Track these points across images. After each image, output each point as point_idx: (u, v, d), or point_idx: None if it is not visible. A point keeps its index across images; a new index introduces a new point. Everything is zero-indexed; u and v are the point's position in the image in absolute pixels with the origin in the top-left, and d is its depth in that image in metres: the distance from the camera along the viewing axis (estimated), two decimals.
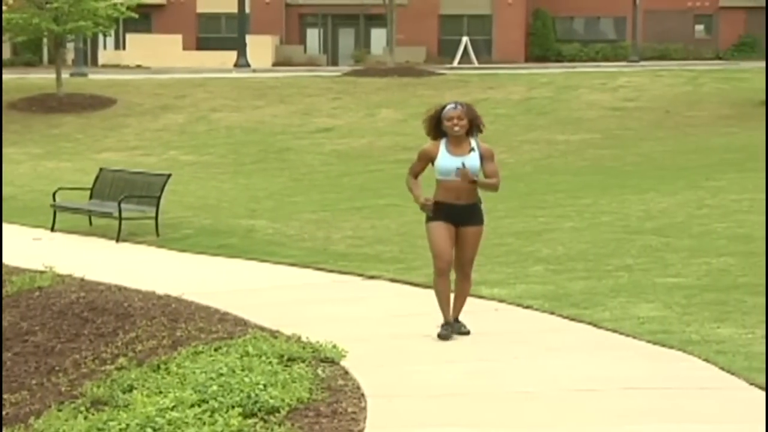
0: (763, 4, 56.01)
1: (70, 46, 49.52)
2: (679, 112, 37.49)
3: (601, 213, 19.02)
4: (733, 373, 8.33)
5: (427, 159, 9.70)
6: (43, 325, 11.93)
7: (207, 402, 7.59)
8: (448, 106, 9.65)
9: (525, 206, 20.16)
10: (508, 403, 7.81)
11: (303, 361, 8.73)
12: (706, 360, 8.73)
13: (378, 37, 58.53)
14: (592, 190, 22.39)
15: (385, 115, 38.36)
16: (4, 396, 9.77)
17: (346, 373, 8.59)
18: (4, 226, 18.22)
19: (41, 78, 44.13)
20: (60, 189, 19.93)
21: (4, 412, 9.23)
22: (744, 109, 37.32)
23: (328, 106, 39.89)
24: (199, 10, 59.66)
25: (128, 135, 36.27)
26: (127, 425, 7.18)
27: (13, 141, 33.76)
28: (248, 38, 52.29)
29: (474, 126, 9.62)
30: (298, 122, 37.54)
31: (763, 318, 10.09)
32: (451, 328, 9.75)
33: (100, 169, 20.54)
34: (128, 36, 57.07)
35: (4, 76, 40.81)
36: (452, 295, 9.86)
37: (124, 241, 17.56)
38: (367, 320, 10.89)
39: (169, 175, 18.78)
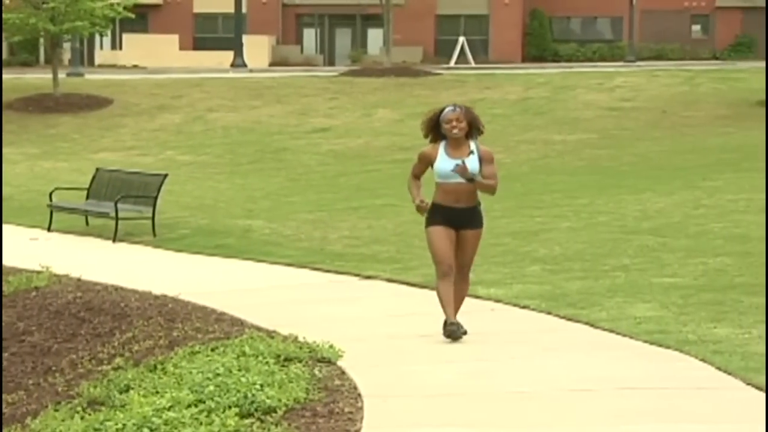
0: (759, 4, 56.05)
1: (67, 46, 49.46)
2: (676, 112, 37.50)
3: (598, 213, 19.02)
4: (729, 373, 8.33)
5: (426, 161, 9.62)
6: (40, 325, 11.93)
7: (204, 402, 7.59)
8: (447, 109, 9.56)
9: (522, 206, 20.15)
10: (504, 403, 7.81)
11: (300, 361, 8.73)
12: (703, 360, 8.72)
13: (375, 37, 58.57)
14: (589, 190, 22.40)
15: (382, 115, 38.35)
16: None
17: (343, 373, 8.58)
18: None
19: (38, 78, 44.11)
20: (57, 189, 19.92)
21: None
22: (741, 110, 37.34)
23: (324, 106, 39.88)
24: (196, 10, 59.64)
25: (125, 135, 36.26)
26: (124, 425, 7.18)
27: (10, 141, 33.71)
28: (245, 38, 52.24)
29: (473, 128, 9.55)
30: (295, 122, 37.53)
31: (760, 318, 10.09)
32: (457, 325, 9.54)
33: (97, 169, 20.55)
34: (125, 36, 57.06)
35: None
36: None
37: (121, 241, 17.56)
38: (363, 320, 10.89)
39: (165, 175, 18.77)
